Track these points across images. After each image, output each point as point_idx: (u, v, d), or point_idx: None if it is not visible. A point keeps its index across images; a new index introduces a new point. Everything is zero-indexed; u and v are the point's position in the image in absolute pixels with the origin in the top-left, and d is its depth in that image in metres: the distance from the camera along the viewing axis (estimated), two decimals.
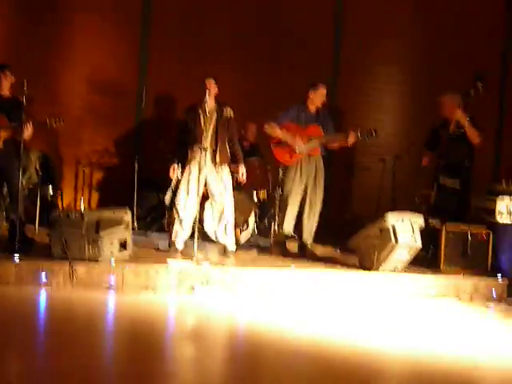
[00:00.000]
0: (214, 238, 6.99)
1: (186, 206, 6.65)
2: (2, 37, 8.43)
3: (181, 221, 6.68)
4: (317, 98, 7.14)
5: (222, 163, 6.67)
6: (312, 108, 7.18)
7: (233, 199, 6.82)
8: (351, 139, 6.97)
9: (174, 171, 6.77)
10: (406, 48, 9.35)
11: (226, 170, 6.75)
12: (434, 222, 6.85)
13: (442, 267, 6.67)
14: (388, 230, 6.32)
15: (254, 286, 6.02)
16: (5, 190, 7.12)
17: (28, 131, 6.25)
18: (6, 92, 6.55)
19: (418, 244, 6.44)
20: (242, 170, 6.82)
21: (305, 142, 7.05)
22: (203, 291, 5.83)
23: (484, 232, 6.74)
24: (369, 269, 6.40)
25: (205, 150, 6.55)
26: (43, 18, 8.51)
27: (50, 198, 7.85)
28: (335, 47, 9.29)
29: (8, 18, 8.48)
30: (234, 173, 6.91)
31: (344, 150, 7.33)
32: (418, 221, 6.53)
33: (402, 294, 6.28)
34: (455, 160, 6.96)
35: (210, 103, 6.64)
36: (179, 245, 6.72)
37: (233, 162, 6.88)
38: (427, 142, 7.38)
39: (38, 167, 7.93)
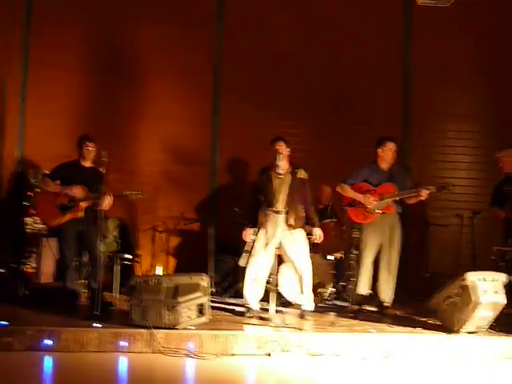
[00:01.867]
0: (291, 301, 6.96)
1: (260, 268, 6.66)
2: (81, 108, 8.79)
3: (255, 282, 6.68)
4: (386, 154, 7.07)
5: (295, 227, 6.65)
6: (384, 166, 7.10)
7: (310, 261, 6.78)
8: (424, 194, 6.84)
9: (248, 234, 6.82)
10: (475, 103, 9.31)
11: (300, 233, 6.72)
12: None
13: None
14: (469, 288, 6.12)
15: (333, 350, 5.89)
16: (85, 258, 7.33)
17: (107, 202, 6.47)
18: (88, 163, 6.82)
19: (503, 301, 6.20)
20: (318, 232, 6.80)
21: (377, 200, 6.99)
22: (282, 357, 5.76)
23: None
24: (451, 330, 6.19)
25: (278, 213, 6.59)
26: (119, 87, 8.91)
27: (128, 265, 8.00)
28: (405, 107, 9.32)
29: (86, 88, 8.86)
30: (309, 235, 6.90)
31: (420, 206, 7.20)
32: (501, 278, 6.31)
33: (486, 357, 6.02)
34: None
35: (282, 166, 6.64)
36: (254, 305, 6.71)
37: (308, 225, 6.87)
38: (492, 200, 7.33)
39: (116, 235, 8.15)
